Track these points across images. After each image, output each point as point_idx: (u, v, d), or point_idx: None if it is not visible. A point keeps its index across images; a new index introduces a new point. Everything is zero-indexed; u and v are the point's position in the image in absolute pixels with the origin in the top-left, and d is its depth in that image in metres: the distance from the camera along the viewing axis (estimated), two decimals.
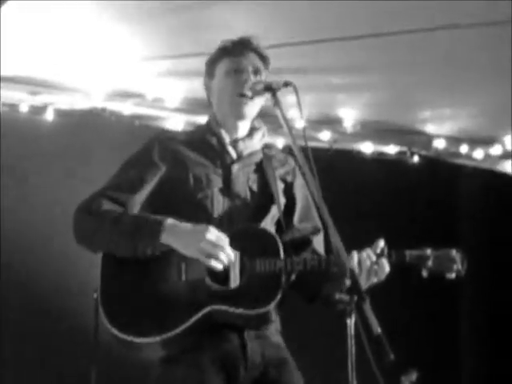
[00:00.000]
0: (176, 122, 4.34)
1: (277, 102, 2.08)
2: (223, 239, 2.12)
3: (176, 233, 2.11)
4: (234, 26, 3.08)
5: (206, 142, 2.34)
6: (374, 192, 4.96)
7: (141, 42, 3.62)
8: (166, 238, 2.12)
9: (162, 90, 4.20)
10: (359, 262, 2.13)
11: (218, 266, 2.12)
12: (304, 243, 2.37)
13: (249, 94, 2.23)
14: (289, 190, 2.39)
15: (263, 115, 2.41)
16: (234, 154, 2.35)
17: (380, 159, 4.99)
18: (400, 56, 3.75)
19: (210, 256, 2.11)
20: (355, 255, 2.14)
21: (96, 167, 3.89)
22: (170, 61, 3.79)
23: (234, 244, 2.16)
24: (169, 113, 4.29)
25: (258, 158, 2.38)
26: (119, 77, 4.03)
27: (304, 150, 1.98)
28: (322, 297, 2.29)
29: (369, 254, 2.15)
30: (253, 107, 2.30)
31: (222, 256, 2.12)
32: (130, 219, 2.18)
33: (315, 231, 2.39)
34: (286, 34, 3.49)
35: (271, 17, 3.30)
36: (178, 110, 4.27)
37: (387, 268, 2.15)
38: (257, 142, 2.39)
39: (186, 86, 4.05)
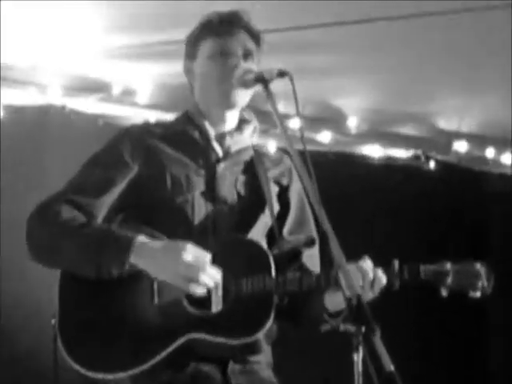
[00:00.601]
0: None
1: (270, 96, 2.07)
2: (203, 258, 2.12)
3: (147, 253, 2.12)
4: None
5: (186, 136, 2.35)
6: (382, 204, 5.04)
7: (106, 22, 3.65)
8: (135, 259, 2.12)
9: (132, 80, 4.23)
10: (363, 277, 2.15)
11: (199, 291, 2.13)
12: (293, 256, 2.39)
13: (235, 84, 2.25)
14: (283, 195, 2.42)
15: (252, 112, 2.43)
16: (219, 151, 2.36)
17: (390, 165, 5.06)
18: (413, 39, 3.81)
19: (189, 280, 2.11)
20: (359, 267, 2.15)
21: (52, 175, 3.91)
22: (142, 49, 3.87)
23: (216, 259, 2.16)
24: (141, 109, 4.33)
25: (248, 155, 2.40)
26: (80, 66, 4.06)
27: (302, 154, 1.99)
28: (311, 317, 2.30)
29: (369, 267, 2.17)
30: (244, 95, 2.30)
31: (203, 279, 2.12)
32: (93, 232, 2.18)
33: (308, 243, 2.41)
34: (278, 14, 3.54)
35: None
36: (152, 106, 4.32)
37: (383, 280, 2.16)
38: (247, 137, 2.40)
39: (163, 74, 4.08)
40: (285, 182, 2.42)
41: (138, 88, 4.27)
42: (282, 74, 2.09)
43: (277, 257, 2.26)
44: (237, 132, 2.36)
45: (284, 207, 2.40)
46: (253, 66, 2.29)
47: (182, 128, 2.36)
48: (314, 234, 2.42)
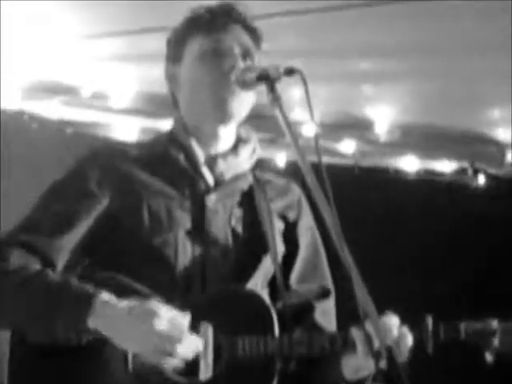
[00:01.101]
0: (126, 130, 4.39)
1: (276, 99, 2.01)
2: (180, 325, 2.07)
3: (110, 317, 2.07)
4: None
5: (168, 160, 2.32)
6: (420, 229, 5.00)
7: (72, 12, 3.65)
8: (95, 323, 2.08)
9: (104, 82, 4.23)
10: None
11: (175, 365, 2.08)
12: (303, 312, 2.36)
13: (234, 85, 2.21)
14: (290, 232, 2.38)
15: (254, 118, 2.37)
16: (210, 179, 2.31)
17: (429, 180, 5.03)
18: (457, 31, 3.82)
19: (163, 353, 2.06)
20: (390, 321, 2.14)
21: (10, 194, 3.93)
22: (117, 40, 3.81)
23: (206, 314, 2.15)
24: (115, 115, 4.33)
25: (246, 184, 2.37)
26: (41, 65, 4.03)
27: (316, 168, 1.92)
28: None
29: (393, 322, 2.16)
30: (241, 104, 2.26)
31: (181, 352, 2.07)
32: (44, 287, 2.14)
33: (322, 294, 2.39)
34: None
35: None
36: (128, 111, 4.32)
37: (409, 341, 2.16)
38: (244, 161, 2.36)
39: (141, 75, 4.08)
40: (292, 216, 2.39)
41: (112, 91, 4.28)
42: (290, 71, 2.04)
43: (282, 312, 2.26)
44: (232, 154, 2.34)
45: (291, 248, 2.38)
46: (253, 64, 2.28)
47: (164, 150, 2.34)
48: (329, 282, 2.41)
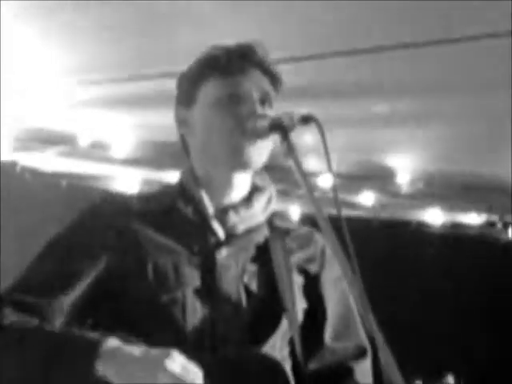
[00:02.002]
0: (128, 182, 4.38)
1: (290, 149, 2.00)
2: (195, 372, 2.00)
3: (120, 361, 2.02)
4: (222, 28, 3.24)
5: (176, 214, 2.28)
6: (445, 287, 4.97)
7: (67, 57, 3.63)
8: (104, 368, 2.01)
9: (104, 130, 4.22)
10: None
11: None
12: (340, 374, 2.30)
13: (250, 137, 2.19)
14: (313, 288, 2.31)
15: (266, 168, 2.34)
16: (220, 233, 2.25)
17: (455, 235, 4.98)
18: (479, 71, 3.78)
19: None
20: None
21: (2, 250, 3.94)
22: (117, 85, 3.81)
23: (217, 381, 2.07)
24: (116, 167, 4.28)
25: (262, 236, 2.30)
26: (35, 112, 4.07)
27: (334, 221, 1.90)
28: None
29: None
30: (259, 152, 2.22)
31: None
32: (44, 338, 2.11)
33: (359, 354, 2.33)
34: (303, 42, 3.59)
35: (281, 16, 3.38)
36: (130, 161, 4.28)
37: None
38: (258, 212, 2.31)
39: (144, 123, 4.07)
40: (313, 268, 2.33)
41: (112, 140, 4.26)
42: (306, 119, 2.03)
43: (319, 374, 2.25)
44: (245, 205, 2.29)
45: (315, 302, 2.31)
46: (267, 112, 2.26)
47: (171, 203, 2.30)
48: (364, 338, 2.35)
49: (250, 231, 2.29)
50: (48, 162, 4.22)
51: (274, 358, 2.18)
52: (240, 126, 2.20)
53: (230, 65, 2.27)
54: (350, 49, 3.63)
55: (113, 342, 2.06)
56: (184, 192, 2.32)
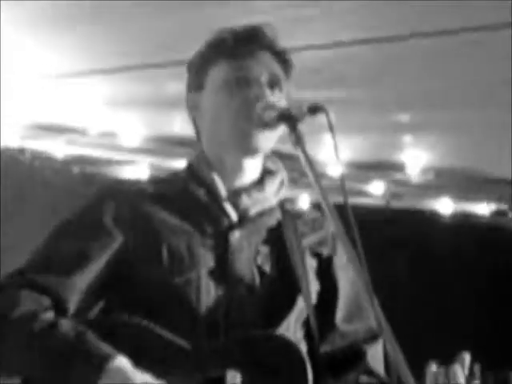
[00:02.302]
0: (137, 169, 4.41)
1: (299, 139, 2.00)
2: None
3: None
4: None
5: (188, 197, 2.28)
6: (456, 275, 4.91)
7: (78, 45, 3.64)
8: None
9: (113, 119, 4.23)
10: None
11: None
12: (353, 357, 2.31)
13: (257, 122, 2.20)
14: (325, 269, 2.32)
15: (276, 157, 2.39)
16: (233, 215, 2.26)
17: (465, 224, 4.96)
18: (499, 70, 3.80)
19: None
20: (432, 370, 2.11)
21: (14, 235, 3.96)
22: (127, 74, 3.80)
23: (233, 360, 2.10)
24: (126, 154, 4.29)
25: (274, 219, 2.31)
26: (45, 101, 4.06)
27: (342, 209, 1.91)
28: None
29: (456, 373, 2.10)
30: (268, 137, 2.22)
31: None
32: (57, 340, 2.09)
33: (371, 337, 2.33)
34: (314, 31, 3.57)
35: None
36: (139, 150, 4.28)
37: None
38: (271, 195, 2.30)
39: (152, 111, 4.03)
40: (326, 251, 2.33)
41: (120, 130, 4.27)
42: (314, 109, 2.02)
43: (326, 358, 2.24)
44: (257, 188, 2.29)
45: (328, 285, 2.32)
46: (281, 98, 2.24)
47: (183, 186, 2.31)
48: (374, 324, 2.31)
49: (262, 214, 2.30)
50: (58, 148, 4.20)
51: (288, 338, 2.19)
52: (247, 110, 2.21)
53: (237, 47, 2.27)
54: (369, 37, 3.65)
55: (120, 361, 2.07)
56: (195, 175, 2.33)
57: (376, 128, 4.21)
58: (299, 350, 2.15)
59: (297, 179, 4.14)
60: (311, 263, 2.30)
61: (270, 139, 2.24)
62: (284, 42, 2.33)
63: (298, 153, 2.00)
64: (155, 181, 2.44)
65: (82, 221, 2.28)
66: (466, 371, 2.11)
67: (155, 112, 3.88)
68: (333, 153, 1.99)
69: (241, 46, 2.27)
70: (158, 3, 3.44)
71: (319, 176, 1.98)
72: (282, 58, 2.29)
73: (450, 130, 4.38)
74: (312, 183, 1.97)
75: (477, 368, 2.11)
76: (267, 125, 2.16)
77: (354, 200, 4.62)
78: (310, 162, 1.96)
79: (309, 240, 2.33)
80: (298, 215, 2.37)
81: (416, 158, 4.70)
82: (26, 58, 3.77)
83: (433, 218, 4.92)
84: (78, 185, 4.17)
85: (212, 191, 2.28)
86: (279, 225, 2.32)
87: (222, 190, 2.28)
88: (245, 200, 2.28)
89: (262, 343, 2.17)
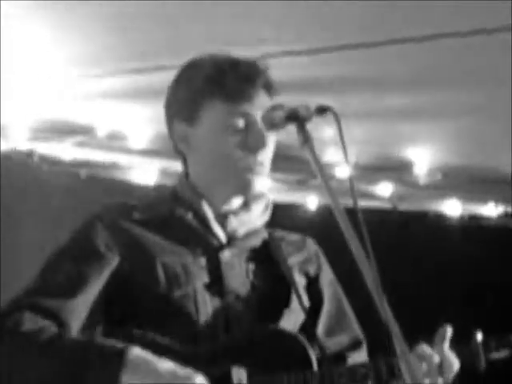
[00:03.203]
0: (146, 171, 4.37)
1: (306, 139, 1.99)
2: None
3: (146, 376, 2.05)
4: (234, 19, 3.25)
5: (176, 221, 2.32)
6: (464, 276, 4.91)
7: (85, 47, 3.60)
8: (129, 380, 2.04)
9: (121, 121, 4.20)
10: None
11: None
12: (337, 362, 2.34)
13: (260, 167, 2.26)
14: (313, 287, 2.38)
15: (283, 159, 2.55)
16: (222, 236, 2.30)
17: (473, 225, 4.96)
18: (499, 64, 3.76)
19: None
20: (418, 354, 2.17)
21: (21, 242, 3.97)
22: (134, 77, 3.79)
23: (236, 357, 2.14)
24: (134, 157, 4.27)
25: (260, 239, 2.37)
26: (52, 103, 4.00)
27: (351, 212, 1.90)
28: None
29: (425, 354, 2.18)
30: (264, 183, 2.31)
31: None
32: (67, 348, 2.12)
33: (354, 345, 2.38)
34: (319, 35, 3.55)
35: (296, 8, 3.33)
36: (148, 152, 4.25)
37: (456, 364, 2.19)
38: (257, 217, 2.36)
39: (160, 114, 3.87)
40: (312, 270, 2.40)
41: (129, 131, 4.24)
42: (322, 110, 2.01)
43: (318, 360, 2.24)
44: (244, 210, 2.34)
45: (316, 303, 2.37)
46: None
47: (170, 210, 2.33)
48: (359, 332, 2.43)
49: (249, 234, 2.33)
50: (65, 152, 4.17)
51: (288, 330, 2.21)
52: (250, 158, 2.23)
53: (237, 90, 2.26)
54: (367, 41, 3.61)
55: (137, 352, 2.07)
56: (181, 200, 2.33)
57: (377, 116, 4.15)
58: (296, 335, 2.19)
59: (305, 181, 4.20)
60: (301, 281, 2.34)
61: (264, 184, 2.28)
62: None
63: (306, 153, 1.98)
64: (140, 207, 2.41)
65: (76, 247, 2.27)
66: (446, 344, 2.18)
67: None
68: (340, 155, 1.99)
69: (239, 86, 2.26)
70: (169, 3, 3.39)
71: (328, 177, 1.98)
72: (272, 93, 2.30)
73: (456, 132, 4.29)
74: (321, 183, 1.95)
75: (479, 334, 2.16)
76: (275, 125, 2.12)
77: (360, 202, 4.63)
78: (319, 162, 1.95)
79: (295, 259, 2.36)
80: (280, 238, 2.40)
81: (423, 159, 4.60)
82: (32, 59, 3.65)
83: (440, 219, 4.88)
84: (85, 188, 4.12)
85: (199, 215, 2.30)
86: (266, 244, 2.35)
87: (210, 214, 2.29)
88: (233, 222, 2.30)
89: (263, 337, 2.19)
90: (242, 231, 2.32)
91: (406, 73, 3.92)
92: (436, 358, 2.18)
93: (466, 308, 4.80)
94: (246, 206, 2.34)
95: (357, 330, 2.42)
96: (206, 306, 2.22)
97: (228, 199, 2.34)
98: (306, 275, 2.38)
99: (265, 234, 2.38)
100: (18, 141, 4.09)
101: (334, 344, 2.36)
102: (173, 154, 4.15)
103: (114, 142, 4.20)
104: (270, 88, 2.30)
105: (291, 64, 3.50)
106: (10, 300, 2.20)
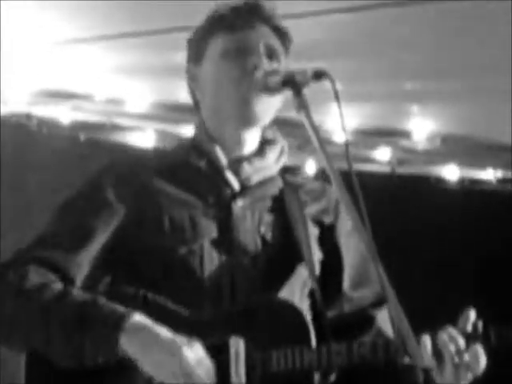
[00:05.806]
0: (144, 135, 4.36)
1: (303, 105, 2.00)
2: (206, 367, 2.07)
3: (144, 339, 2.07)
4: None
5: (189, 168, 2.32)
6: (462, 241, 4.90)
7: (85, 10, 3.60)
8: (126, 344, 2.06)
9: (119, 85, 4.19)
10: (437, 351, 2.08)
11: None
12: (362, 322, 2.35)
13: (256, 90, 2.21)
14: (327, 237, 2.36)
15: (281, 124, 2.38)
16: (235, 184, 2.30)
17: (471, 190, 4.97)
18: (501, 49, 3.82)
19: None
20: (428, 339, 2.10)
21: (21, 201, 3.95)
22: (132, 40, 3.77)
23: (236, 327, 2.13)
24: (132, 120, 4.26)
25: (276, 188, 2.35)
26: (51, 67, 4.00)
27: (347, 176, 1.92)
28: None
29: (452, 336, 2.12)
30: (266, 107, 2.26)
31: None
32: (71, 306, 2.14)
33: (378, 302, 2.36)
34: None
35: None
36: (146, 116, 4.26)
37: (483, 358, 2.10)
38: (272, 163, 2.35)
39: (159, 79, 4.04)
40: (328, 219, 2.37)
41: (127, 97, 4.26)
42: (318, 75, 2.03)
43: (333, 323, 2.27)
44: (258, 157, 2.33)
45: (331, 253, 2.36)
46: (278, 67, 2.27)
47: (184, 158, 2.35)
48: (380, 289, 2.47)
49: (264, 182, 2.32)
50: (64, 114, 4.17)
51: (289, 301, 2.21)
52: (246, 78, 2.22)
53: (237, 20, 2.28)
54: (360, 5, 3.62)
55: (138, 318, 2.09)
56: (197, 147, 2.34)
57: (381, 96, 4.16)
58: (297, 307, 2.19)
59: (302, 146, 4.18)
60: (313, 231, 2.33)
61: (269, 109, 2.27)
62: (284, 7, 2.34)
63: (302, 118, 1.98)
64: (159, 153, 2.52)
65: (85, 197, 2.30)
66: (470, 327, 2.14)
67: (162, 78, 3.85)
68: (339, 120, 1.98)
69: (240, 19, 2.29)
70: None
71: (324, 141, 1.98)
72: (280, 32, 2.31)
73: (455, 98, 4.27)
74: (316, 148, 1.96)
75: (479, 323, 2.13)
76: (271, 90, 2.15)
77: (360, 166, 4.62)
78: (315, 127, 1.96)
79: (310, 209, 2.35)
80: (299, 185, 2.40)
81: (422, 126, 4.60)
82: (31, 24, 3.66)
83: (439, 184, 4.88)
84: (84, 151, 4.14)
85: (213, 161, 2.31)
86: (281, 193, 2.35)
87: (223, 160, 2.30)
88: (246, 168, 2.30)
89: (264, 306, 2.19)
90: (256, 178, 2.31)
91: (406, 35, 3.87)
92: (462, 342, 2.12)
93: (466, 270, 4.83)
94: (260, 151, 2.32)
95: (378, 286, 2.40)
96: (212, 263, 2.23)
97: (238, 138, 2.32)
98: (320, 225, 2.37)
99: (280, 183, 2.37)
100: (16, 103, 4.07)
101: (357, 298, 2.37)
102: (170, 117, 4.17)
103: (112, 105, 4.20)
104: (274, 23, 2.30)
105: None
106: (16, 251, 2.23)
